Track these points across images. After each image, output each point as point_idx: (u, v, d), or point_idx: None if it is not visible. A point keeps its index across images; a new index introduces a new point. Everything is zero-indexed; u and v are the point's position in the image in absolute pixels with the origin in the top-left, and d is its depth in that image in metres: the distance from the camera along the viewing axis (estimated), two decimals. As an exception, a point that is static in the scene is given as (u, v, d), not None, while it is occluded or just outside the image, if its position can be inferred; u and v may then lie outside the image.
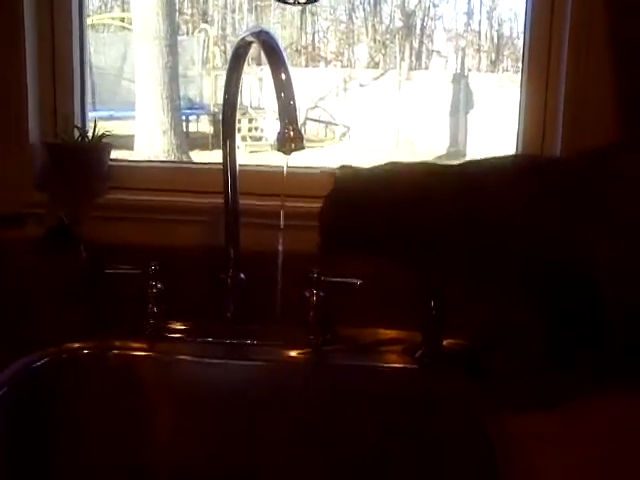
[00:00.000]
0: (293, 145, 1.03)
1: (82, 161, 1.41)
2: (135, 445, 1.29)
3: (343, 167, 1.18)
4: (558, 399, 1.05)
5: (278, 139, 1.04)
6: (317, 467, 1.27)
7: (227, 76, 1.25)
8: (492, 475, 0.93)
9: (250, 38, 1.15)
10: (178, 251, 1.37)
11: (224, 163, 1.29)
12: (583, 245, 1.04)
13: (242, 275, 1.32)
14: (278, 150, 1.06)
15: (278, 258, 1.21)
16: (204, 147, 6.48)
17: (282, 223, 1.12)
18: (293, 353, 1.29)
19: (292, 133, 1.03)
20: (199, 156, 6.27)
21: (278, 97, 1.04)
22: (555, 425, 1.00)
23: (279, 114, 1.05)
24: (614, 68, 1.29)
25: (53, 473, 1.26)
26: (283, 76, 1.05)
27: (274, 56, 1.07)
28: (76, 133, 1.44)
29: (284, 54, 1.08)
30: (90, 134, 1.44)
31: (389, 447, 1.23)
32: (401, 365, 1.25)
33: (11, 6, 1.39)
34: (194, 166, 1.57)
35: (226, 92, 1.26)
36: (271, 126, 6.94)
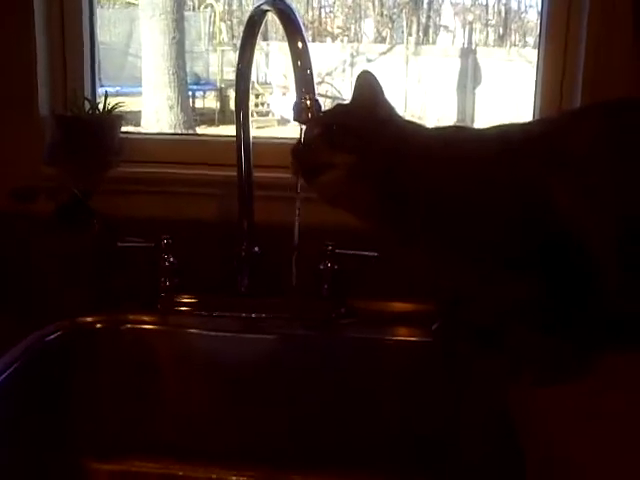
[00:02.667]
0: (310, 114, 1.01)
1: (93, 134, 1.40)
2: (148, 418, 1.29)
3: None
4: (577, 371, 1.03)
5: (294, 108, 1.03)
6: (331, 440, 1.26)
7: (241, 46, 1.23)
8: (514, 450, 0.92)
9: (266, 7, 1.13)
10: (191, 224, 1.36)
11: (237, 134, 1.27)
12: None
13: (256, 248, 1.31)
14: (294, 120, 1.04)
15: (293, 231, 1.19)
16: (210, 123, 6.46)
17: (298, 193, 1.10)
18: (307, 326, 1.28)
19: (309, 102, 1.01)
20: (205, 132, 6.25)
21: (295, 66, 1.03)
22: (574, 397, 0.99)
23: (295, 83, 1.03)
24: (635, 30, 1.27)
25: (67, 446, 1.26)
26: (300, 44, 1.03)
27: (290, 24, 1.05)
28: (87, 106, 1.43)
29: (300, 22, 1.06)
30: (101, 107, 1.42)
31: (406, 422, 1.23)
32: (417, 338, 1.24)
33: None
34: (206, 138, 1.55)
35: (239, 62, 1.23)
36: (278, 101, 6.91)
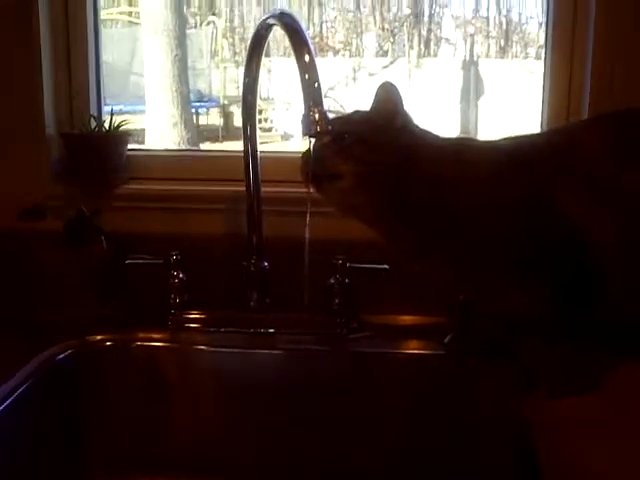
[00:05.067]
0: (319, 128, 1.01)
1: (100, 151, 1.40)
2: (158, 436, 1.28)
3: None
4: (592, 382, 1.03)
5: (303, 122, 1.02)
6: (344, 455, 1.25)
7: (247, 60, 1.22)
8: (531, 462, 0.91)
9: (271, 20, 1.12)
10: (199, 240, 1.35)
11: (245, 149, 1.27)
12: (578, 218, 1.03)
13: (265, 263, 1.30)
14: (303, 134, 1.03)
15: (302, 245, 1.18)
16: (214, 139, 6.46)
17: (308, 208, 1.09)
18: (318, 342, 1.27)
19: (317, 115, 1.00)
20: (210, 148, 6.24)
21: (302, 79, 1.02)
22: (591, 407, 0.98)
23: (303, 96, 1.02)
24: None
25: (77, 464, 1.25)
26: (307, 58, 1.02)
27: (297, 38, 1.05)
28: (92, 124, 1.43)
29: (307, 36, 1.05)
30: (107, 125, 1.42)
31: (421, 436, 1.21)
32: (430, 351, 1.23)
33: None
34: (213, 154, 1.55)
35: (246, 76, 1.23)
36: (281, 117, 6.91)
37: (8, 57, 1.39)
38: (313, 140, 1.07)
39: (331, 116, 1.07)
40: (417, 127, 1.14)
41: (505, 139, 1.14)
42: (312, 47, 1.04)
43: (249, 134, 1.26)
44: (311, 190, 1.09)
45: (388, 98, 1.12)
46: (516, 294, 1.09)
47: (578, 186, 1.04)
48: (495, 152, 1.13)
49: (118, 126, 1.42)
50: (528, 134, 1.16)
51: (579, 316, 1.06)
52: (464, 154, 1.12)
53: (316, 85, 1.02)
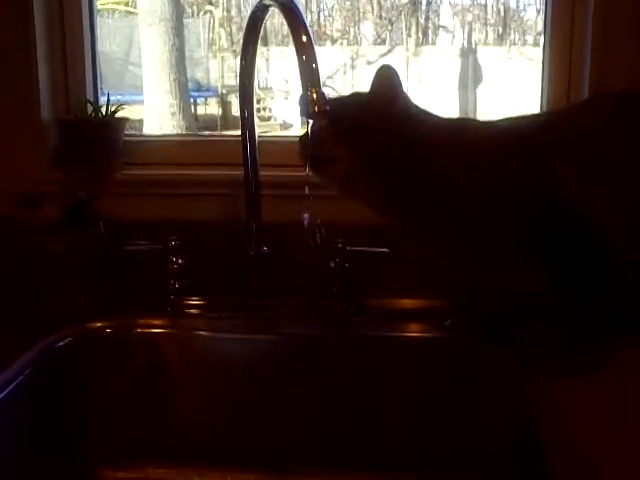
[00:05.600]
0: (317, 108, 1.00)
1: (97, 136, 1.39)
2: (159, 422, 1.28)
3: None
4: (595, 363, 1.02)
5: (301, 102, 1.01)
6: (345, 440, 1.25)
7: (243, 44, 1.21)
8: (533, 445, 0.90)
9: (268, 1, 1.11)
10: (198, 225, 1.35)
11: (242, 133, 1.26)
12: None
13: (265, 248, 1.29)
14: (301, 114, 1.03)
15: (301, 229, 1.18)
16: (213, 129, 6.46)
17: (307, 191, 1.08)
18: (319, 326, 1.26)
19: (315, 95, 0.99)
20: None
21: (299, 60, 1.01)
22: (594, 389, 0.98)
23: (300, 77, 1.01)
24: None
25: (78, 452, 1.24)
26: (304, 38, 1.01)
27: (294, 18, 1.03)
28: (89, 109, 1.42)
29: (304, 16, 1.04)
30: (103, 110, 1.41)
31: (422, 419, 1.21)
32: (431, 335, 1.22)
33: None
34: (211, 139, 1.54)
35: (243, 59, 1.22)
36: (279, 106, 6.91)
37: (4, 45, 1.38)
38: (310, 122, 1.06)
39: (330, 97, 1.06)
40: (416, 109, 1.13)
41: (505, 119, 1.14)
42: (309, 28, 1.03)
43: (247, 118, 1.25)
44: (309, 173, 1.08)
45: (387, 81, 1.11)
46: (519, 275, 1.08)
47: (580, 165, 1.04)
48: (496, 133, 1.12)
49: (115, 111, 1.41)
50: (528, 114, 1.15)
51: (583, 296, 1.05)
52: (464, 136, 1.11)
53: (314, 66, 1.01)
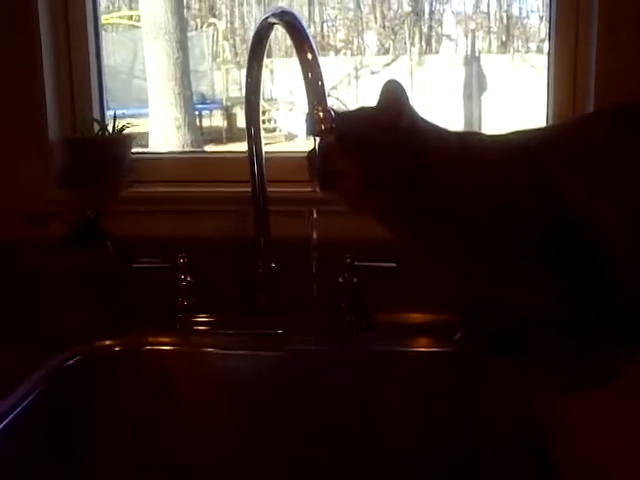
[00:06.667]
0: (323, 127, 1.00)
1: (104, 155, 1.39)
2: (167, 440, 1.27)
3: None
4: (605, 377, 1.02)
5: (307, 121, 1.01)
6: (354, 456, 1.24)
7: (249, 60, 1.22)
8: (543, 459, 0.90)
9: (273, 19, 1.11)
10: (206, 242, 1.35)
11: (249, 150, 1.26)
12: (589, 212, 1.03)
13: (273, 264, 1.29)
14: (307, 133, 1.03)
15: (309, 245, 1.18)
16: (218, 141, 6.47)
17: (314, 209, 1.09)
18: (328, 342, 1.26)
19: (321, 114, 0.99)
20: (214, 150, 6.25)
21: (305, 78, 1.01)
22: (604, 403, 0.97)
23: (307, 95, 1.01)
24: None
25: (87, 471, 1.24)
26: (309, 56, 1.01)
27: (299, 36, 1.04)
28: (96, 127, 1.42)
29: (309, 34, 1.04)
30: (110, 128, 1.41)
31: (432, 434, 1.20)
32: (441, 349, 1.22)
33: (26, 3, 1.38)
34: (217, 156, 1.55)
35: (248, 76, 1.22)
36: (284, 117, 6.92)
37: (10, 63, 1.39)
38: (318, 139, 1.07)
39: (336, 111, 1.06)
40: (423, 123, 1.13)
41: (512, 133, 1.14)
42: (314, 45, 1.03)
43: (253, 135, 1.26)
44: (317, 190, 1.08)
45: (393, 96, 1.10)
46: (527, 287, 1.08)
47: (585, 177, 1.04)
48: (502, 146, 1.12)
49: (121, 129, 1.41)
50: (535, 128, 1.16)
51: (591, 308, 1.05)
52: (471, 149, 1.11)
53: (319, 83, 1.01)
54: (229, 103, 6.75)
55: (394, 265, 1.26)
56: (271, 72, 6.97)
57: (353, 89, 7.42)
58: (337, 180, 1.08)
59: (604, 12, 1.30)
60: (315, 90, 1.01)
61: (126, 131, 1.42)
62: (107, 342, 1.26)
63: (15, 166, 1.40)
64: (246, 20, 7.74)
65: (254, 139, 1.26)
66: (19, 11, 1.38)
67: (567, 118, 1.36)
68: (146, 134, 5.61)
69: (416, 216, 1.10)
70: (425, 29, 8.63)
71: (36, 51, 1.39)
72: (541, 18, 7.71)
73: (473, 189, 1.07)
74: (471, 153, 1.10)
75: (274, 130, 6.90)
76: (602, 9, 1.30)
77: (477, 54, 8.29)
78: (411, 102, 1.11)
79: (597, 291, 1.05)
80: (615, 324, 1.05)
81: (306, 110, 1.02)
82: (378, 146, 1.07)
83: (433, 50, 8.60)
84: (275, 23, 1.12)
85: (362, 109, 1.15)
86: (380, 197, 1.09)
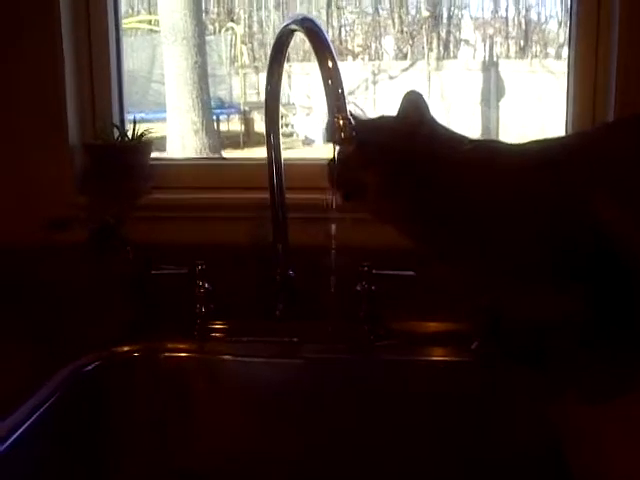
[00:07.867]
0: (343, 134, 1.00)
1: (123, 161, 1.40)
2: (186, 446, 1.28)
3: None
4: (623, 388, 1.01)
5: (327, 129, 1.01)
6: (371, 464, 1.24)
7: (269, 67, 1.22)
8: (562, 470, 0.89)
9: (293, 26, 1.11)
10: (224, 249, 1.35)
11: (268, 157, 1.26)
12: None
13: (291, 272, 1.29)
14: (328, 141, 1.03)
15: (327, 253, 1.18)
16: (236, 146, 6.48)
17: (334, 216, 1.09)
18: (346, 350, 1.26)
19: (342, 122, 0.99)
20: (231, 155, 6.26)
21: (325, 85, 1.01)
22: (621, 414, 0.96)
23: (327, 103, 1.01)
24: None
25: (104, 476, 1.24)
26: (330, 63, 1.01)
27: (319, 43, 1.03)
28: (115, 133, 1.43)
29: (329, 41, 1.04)
30: (130, 134, 1.42)
31: (451, 443, 1.20)
32: (458, 358, 1.21)
33: (48, 9, 1.39)
34: (236, 162, 1.55)
35: (268, 83, 1.22)
36: (301, 122, 6.92)
37: (31, 69, 1.39)
38: (338, 147, 1.06)
39: (357, 118, 1.06)
40: (444, 131, 1.12)
41: (532, 142, 1.13)
42: (335, 52, 1.03)
43: (272, 141, 1.26)
44: (338, 199, 1.08)
45: (413, 105, 1.10)
46: (547, 299, 1.08)
47: (610, 189, 1.03)
48: (523, 155, 1.11)
49: (141, 135, 1.42)
50: (555, 137, 1.15)
51: (614, 322, 1.04)
52: (491, 157, 1.11)
53: (340, 91, 1.00)
54: (247, 108, 6.76)
55: (412, 274, 1.26)
56: (289, 77, 6.98)
57: (371, 94, 7.41)
58: (358, 190, 1.08)
59: (625, 18, 1.29)
60: (335, 98, 1.01)
61: (145, 137, 1.43)
62: (125, 348, 1.26)
63: (36, 172, 1.41)
64: (264, 24, 7.75)
65: (273, 146, 1.26)
66: (41, 18, 1.39)
67: (587, 126, 1.35)
68: (164, 138, 5.63)
69: (435, 224, 1.10)
70: (443, 34, 8.61)
71: (58, 57, 1.39)
72: (560, 23, 7.68)
73: (492, 197, 1.07)
74: (491, 162, 1.10)
75: (291, 135, 6.90)
76: (623, 15, 1.29)
77: (495, 59, 8.26)
78: (431, 111, 1.11)
79: (619, 303, 1.04)
80: (635, 336, 1.04)
81: (326, 117, 1.02)
82: (398, 154, 1.07)
83: (451, 55, 8.58)
84: (296, 30, 1.13)
85: (382, 118, 1.15)
86: (399, 205, 1.09)
